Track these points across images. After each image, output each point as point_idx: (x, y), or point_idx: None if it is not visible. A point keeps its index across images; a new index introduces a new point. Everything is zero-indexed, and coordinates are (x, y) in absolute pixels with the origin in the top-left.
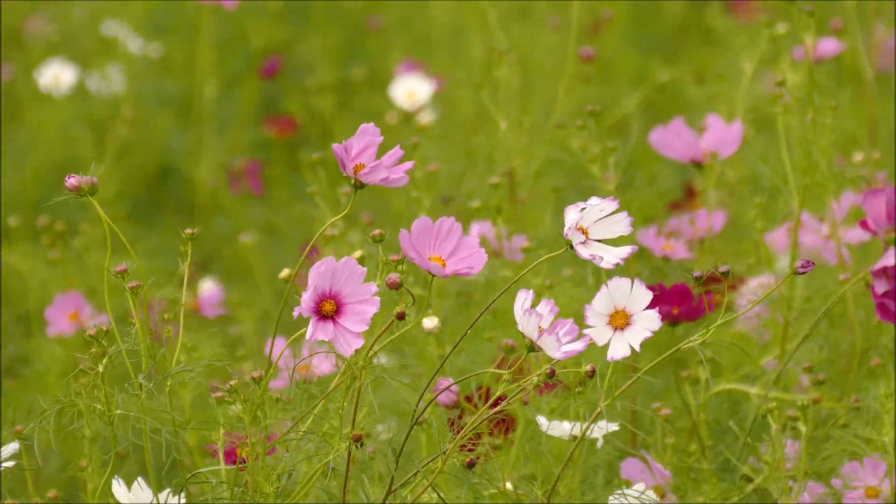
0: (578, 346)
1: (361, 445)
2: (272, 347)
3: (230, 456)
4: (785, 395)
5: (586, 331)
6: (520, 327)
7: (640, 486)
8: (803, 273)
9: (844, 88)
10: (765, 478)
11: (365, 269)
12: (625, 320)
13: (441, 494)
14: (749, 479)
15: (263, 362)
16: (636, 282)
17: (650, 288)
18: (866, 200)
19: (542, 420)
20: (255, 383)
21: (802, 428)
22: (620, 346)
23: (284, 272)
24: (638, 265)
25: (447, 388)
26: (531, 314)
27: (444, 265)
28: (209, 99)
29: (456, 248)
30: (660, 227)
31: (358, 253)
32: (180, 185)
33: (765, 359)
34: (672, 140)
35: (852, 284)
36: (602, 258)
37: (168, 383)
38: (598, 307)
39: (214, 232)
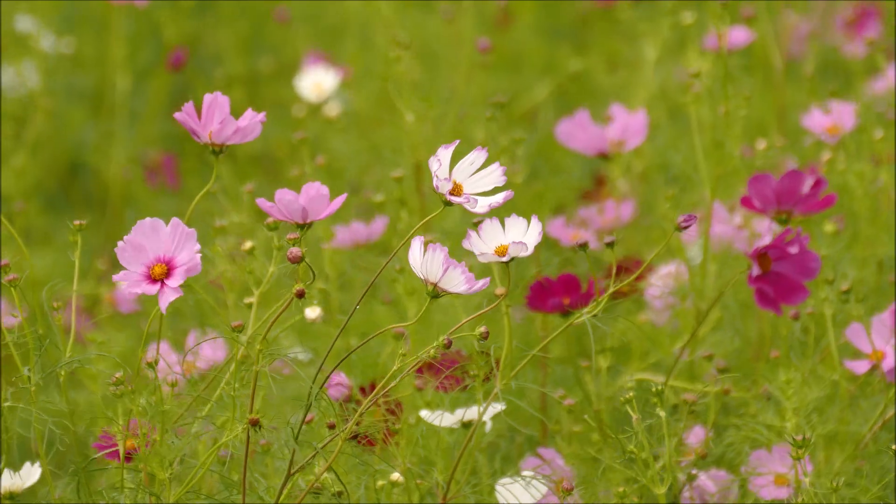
0: (481, 283)
1: (260, 429)
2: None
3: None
4: (689, 384)
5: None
6: (419, 272)
7: (528, 473)
8: (686, 227)
9: (755, 77)
10: (663, 465)
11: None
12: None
13: (337, 475)
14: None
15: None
16: (534, 219)
17: (538, 283)
18: (752, 185)
19: (425, 413)
20: (149, 367)
21: (661, 413)
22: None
23: None
24: (546, 255)
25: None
26: (434, 250)
27: None
28: (121, 92)
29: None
30: (569, 217)
31: (248, 244)
32: (92, 178)
33: (674, 347)
34: (578, 132)
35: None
36: (477, 201)
37: (62, 374)
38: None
39: (128, 226)
